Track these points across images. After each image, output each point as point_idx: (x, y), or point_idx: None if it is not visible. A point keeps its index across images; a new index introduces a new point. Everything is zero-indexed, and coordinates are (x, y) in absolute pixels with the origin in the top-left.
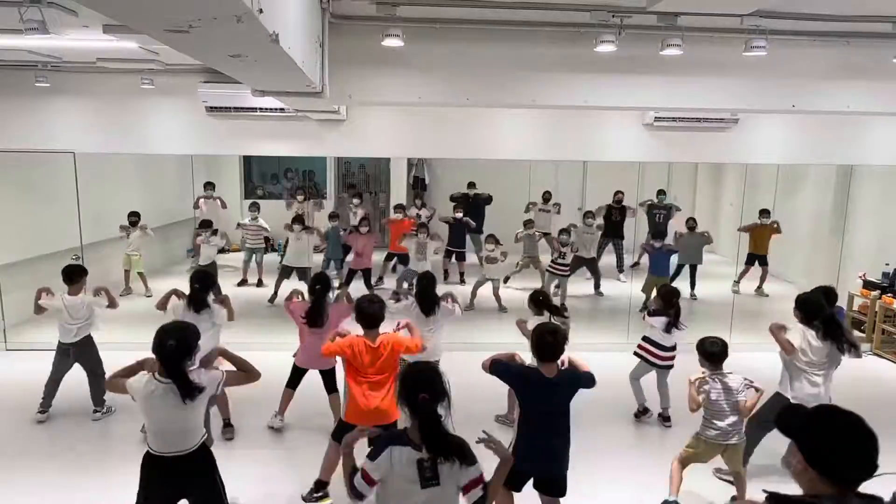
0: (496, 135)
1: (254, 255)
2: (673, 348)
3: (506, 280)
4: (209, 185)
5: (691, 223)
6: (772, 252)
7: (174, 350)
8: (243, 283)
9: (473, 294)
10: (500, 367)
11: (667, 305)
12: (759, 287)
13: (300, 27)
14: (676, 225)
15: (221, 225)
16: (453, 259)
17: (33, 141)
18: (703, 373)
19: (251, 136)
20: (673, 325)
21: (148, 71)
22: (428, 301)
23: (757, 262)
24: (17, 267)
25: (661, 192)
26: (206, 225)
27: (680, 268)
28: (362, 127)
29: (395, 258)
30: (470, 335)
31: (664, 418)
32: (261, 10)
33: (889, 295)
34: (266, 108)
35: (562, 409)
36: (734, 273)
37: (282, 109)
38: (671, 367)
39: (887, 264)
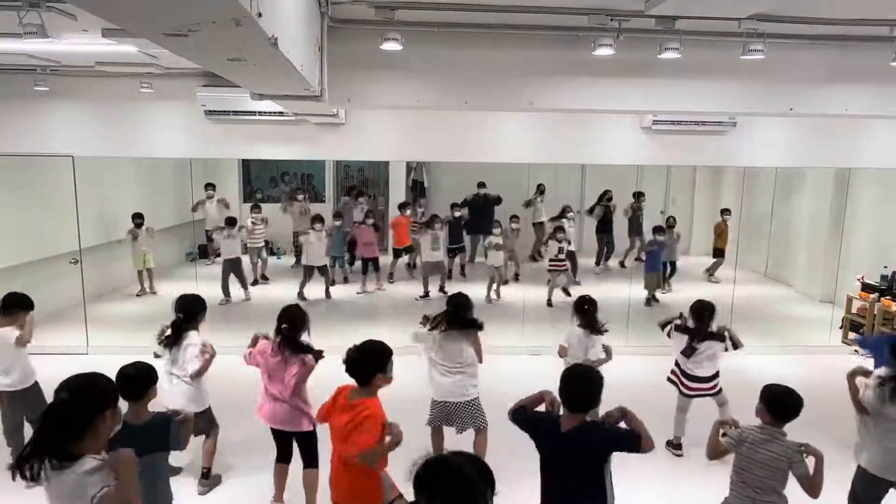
0: (495, 138)
1: (256, 254)
2: (709, 378)
3: (506, 281)
4: (210, 186)
5: (671, 221)
6: (771, 254)
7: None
8: (256, 282)
9: (489, 289)
10: (520, 416)
11: (696, 320)
12: (712, 272)
13: (299, 31)
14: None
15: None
16: (457, 259)
17: (32, 144)
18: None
19: (250, 139)
20: (692, 347)
21: (147, 75)
22: (459, 320)
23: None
24: (16, 270)
25: (639, 195)
26: (231, 223)
27: (663, 264)
28: (361, 130)
29: (401, 254)
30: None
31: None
32: (260, 14)
33: (888, 297)
34: (265, 112)
35: (583, 470)
36: (732, 276)
37: (281, 113)
38: (710, 396)
39: (886, 267)
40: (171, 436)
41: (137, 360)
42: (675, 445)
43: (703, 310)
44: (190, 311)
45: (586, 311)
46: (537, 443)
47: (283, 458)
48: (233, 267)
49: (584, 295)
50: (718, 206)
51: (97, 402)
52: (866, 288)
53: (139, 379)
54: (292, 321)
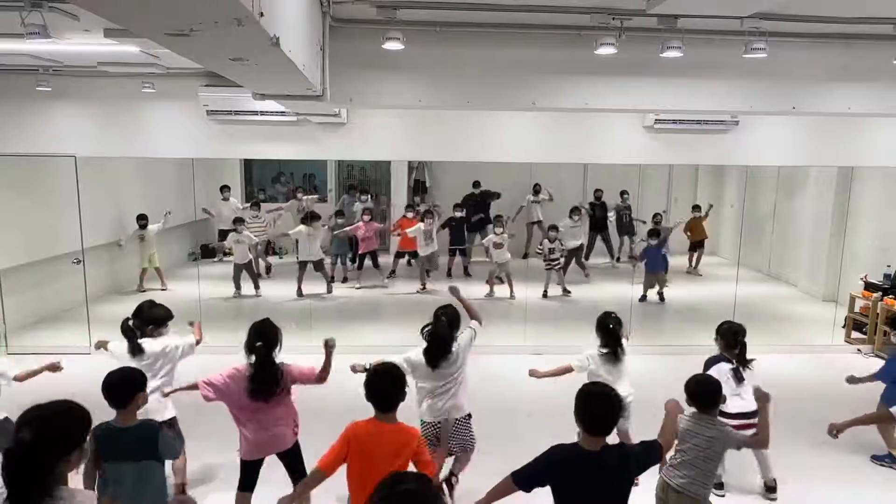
0: (497, 137)
1: (257, 248)
2: (753, 414)
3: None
4: (225, 188)
5: (658, 218)
6: (774, 253)
7: (25, 447)
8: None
9: (490, 283)
10: (524, 476)
11: (729, 346)
12: (696, 267)
13: (301, 31)
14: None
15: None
16: (457, 257)
17: (35, 145)
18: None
19: (252, 139)
20: (741, 371)
21: (149, 75)
22: (438, 347)
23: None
24: (19, 270)
25: (623, 193)
26: (238, 221)
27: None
28: (363, 130)
29: (406, 255)
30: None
31: (769, 489)
32: (262, 14)
33: (890, 296)
34: (267, 112)
35: (617, 497)
36: (735, 275)
37: (282, 113)
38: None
39: (889, 266)
40: (161, 444)
41: (128, 366)
42: (716, 485)
43: (734, 333)
44: (137, 318)
45: (612, 331)
46: (565, 481)
47: (251, 485)
48: (241, 269)
49: (610, 312)
50: (721, 205)
51: (62, 447)
52: (869, 287)
53: (122, 386)
54: (268, 339)
